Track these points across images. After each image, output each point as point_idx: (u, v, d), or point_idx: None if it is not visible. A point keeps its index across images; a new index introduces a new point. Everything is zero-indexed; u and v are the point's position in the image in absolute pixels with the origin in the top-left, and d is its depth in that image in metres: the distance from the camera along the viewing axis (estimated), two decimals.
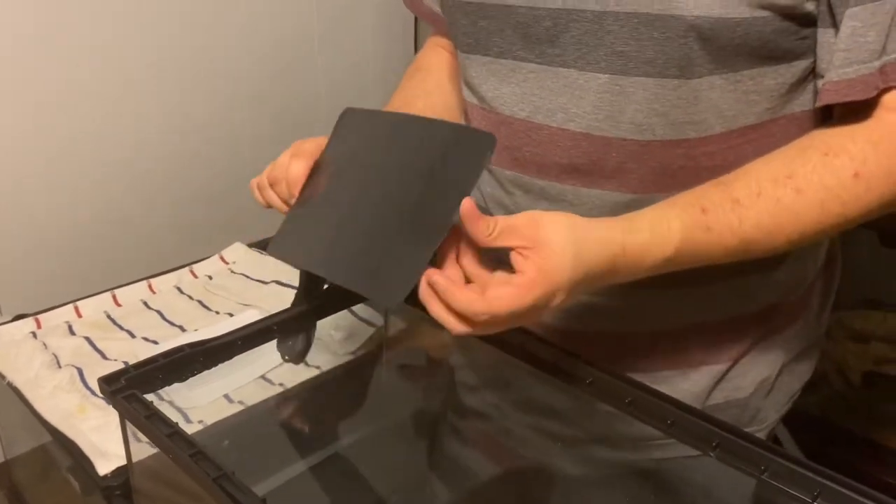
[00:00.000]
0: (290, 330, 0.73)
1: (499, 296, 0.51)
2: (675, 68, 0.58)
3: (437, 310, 0.53)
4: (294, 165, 0.67)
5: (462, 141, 0.56)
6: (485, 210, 0.73)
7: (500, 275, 0.53)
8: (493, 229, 0.52)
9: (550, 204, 0.67)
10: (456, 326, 0.52)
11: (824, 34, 0.57)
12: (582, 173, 0.65)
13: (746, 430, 0.74)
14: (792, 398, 0.79)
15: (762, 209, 0.57)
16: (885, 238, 1.28)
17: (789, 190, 0.56)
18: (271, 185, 0.69)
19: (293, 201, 0.67)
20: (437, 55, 0.84)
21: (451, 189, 0.54)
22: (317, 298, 0.74)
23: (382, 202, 0.60)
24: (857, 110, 0.57)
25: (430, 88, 0.82)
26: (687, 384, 0.72)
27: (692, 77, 0.59)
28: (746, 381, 0.73)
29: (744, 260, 0.59)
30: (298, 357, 0.77)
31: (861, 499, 0.51)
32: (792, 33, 0.58)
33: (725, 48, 0.57)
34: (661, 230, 0.56)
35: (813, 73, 0.61)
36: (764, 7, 0.55)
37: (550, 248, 0.51)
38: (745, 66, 0.59)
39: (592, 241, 0.53)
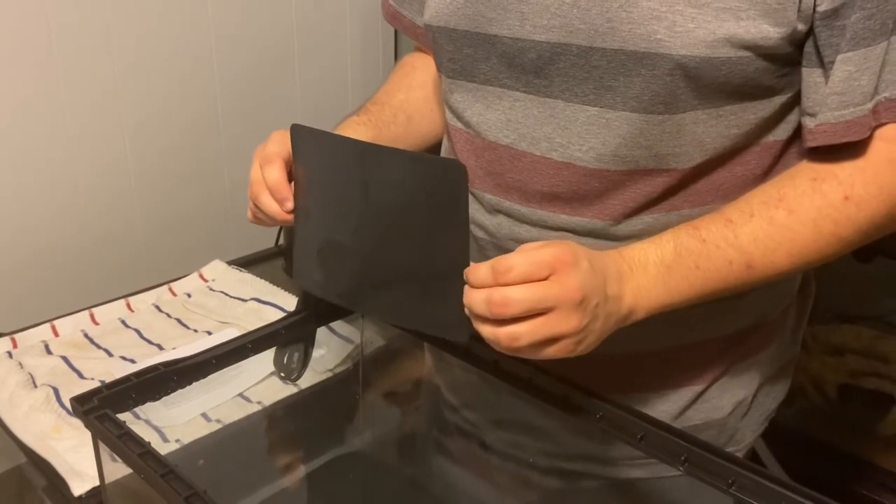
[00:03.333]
0: (264, 348, 0.73)
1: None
2: (661, 104, 0.60)
3: (483, 329, 0.54)
4: (269, 172, 0.66)
5: (435, 174, 0.57)
6: None
7: None
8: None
9: (531, 228, 0.68)
10: (496, 332, 0.52)
11: (811, 74, 0.59)
12: (563, 201, 0.66)
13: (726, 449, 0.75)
14: (768, 418, 0.80)
15: (756, 226, 0.58)
16: (858, 253, 1.29)
17: (781, 210, 0.58)
18: (257, 204, 0.68)
19: (287, 204, 0.66)
20: (424, 58, 0.84)
21: (450, 227, 0.55)
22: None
23: (390, 242, 0.61)
24: (838, 147, 0.59)
25: (414, 83, 0.82)
26: (665, 405, 0.73)
27: (677, 112, 0.60)
28: (724, 401, 0.74)
29: (752, 283, 0.60)
30: (295, 374, 0.77)
31: None
32: (772, 72, 0.59)
33: (710, 86, 0.59)
34: (652, 240, 0.59)
35: (789, 107, 0.63)
36: (747, 48, 0.57)
37: (555, 241, 0.54)
38: (727, 102, 0.60)
39: (590, 249, 0.56)
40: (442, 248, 0.57)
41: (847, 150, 0.59)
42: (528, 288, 0.51)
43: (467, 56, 0.67)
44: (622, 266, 0.57)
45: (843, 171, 0.58)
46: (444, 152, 0.79)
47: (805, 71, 0.59)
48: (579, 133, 0.63)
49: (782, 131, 0.64)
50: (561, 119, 0.63)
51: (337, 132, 0.75)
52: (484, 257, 0.71)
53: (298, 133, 0.65)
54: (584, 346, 0.55)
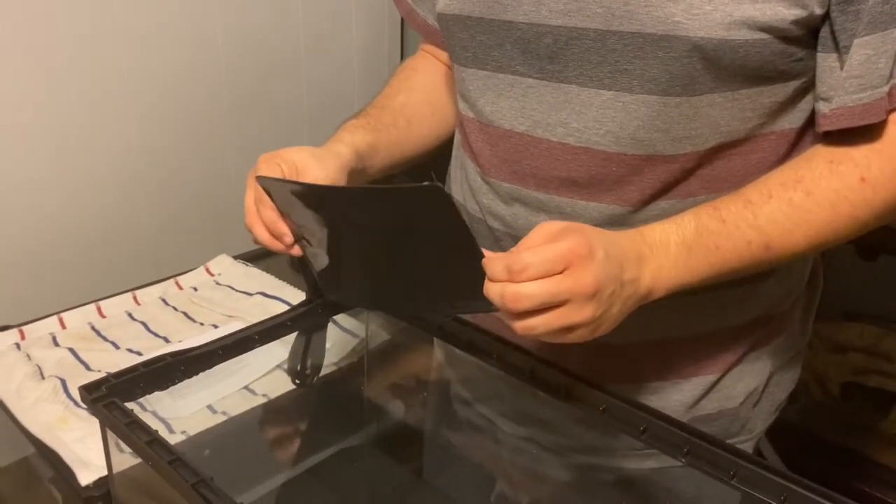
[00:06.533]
0: (270, 339, 0.74)
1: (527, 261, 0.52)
2: (679, 86, 0.60)
3: (501, 316, 0.54)
4: (263, 211, 0.66)
5: (417, 201, 0.55)
6: (480, 221, 0.74)
7: None
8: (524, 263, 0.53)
9: (549, 216, 0.68)
10: (512, 322, 0.53)
11: (825, 59, 0.59)
12: (581, 186, 0.66)
13: (736, 439, 0.76)
14: (778, 407, 0.80)
15: (775, 207, 0.59)
16: (862, 251, 1.30)
17: (799, 192, 0.59)
18: (252, 233, 0.68)
19: (286, 239, 0.66)
20: (426, 60, 0.85)
21: (453, 235, 0.54)
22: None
23: (398, 259, 0.61)
24: (855, 132, 0.60)
25: (415, 86, 0.82)
26: (679, 395, 0.73)
27: (694, 94, 0.61)
28: (736, 391, 0.75)
29: (769, 263, 0.61)
30: (309, 379, 0.79)
31: (826, 503, 0.52)
32: (789, 56, 0.60)
33: (727, 68, 0.59)
34: (674, 220, 0.59)
35: (802, 93, 0.63)
36: (764, 30, 0.58)
37: (568, 227, 0.54)
38: (743, 86, 0.61)
39: (608, 232, 0.57)
40: (452, 249, 0.56)
41: (862, 133, 0.60)
42: (542, 284, 0.51)
43: (480, 43, 0.67)
44: (642, 248, 0.57)
45: (860, 153, 0.59)
46: (456, 144, 0.80)
47: (820, 56, 0.60)
48: (595, 117, 0.63)
49: (796, 118, 0.65)
50: (576, 104, 0.64)
51: (337, 136, 0.74)
52: (500, 248, 0.72)
53: (265, 183, 0.65)
54: (601, 331, 0.55)
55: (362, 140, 0.74)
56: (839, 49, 0.58)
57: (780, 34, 0.58)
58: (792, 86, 0.62)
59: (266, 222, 0.66)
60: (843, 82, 0.58)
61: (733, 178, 0.65)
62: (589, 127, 0.64)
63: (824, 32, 0.59)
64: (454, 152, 0.80)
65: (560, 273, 0.52)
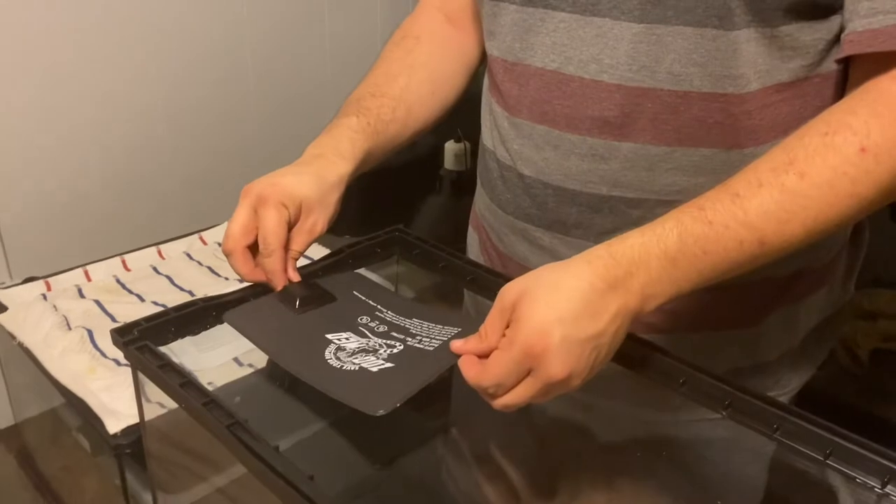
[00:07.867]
0: None
1: (490, 359, 0.52)
2: (715, 18, 0.58)
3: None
4: (267, 265, 0.68)
5: None
6: (511, 169, 0.72)
7: None
8: (487, 335, 0.54)
9: (580, 160, 0.66)
10: (490, 401, 0.54)
11: None
12: (614, 126, 0.64)
13: (770, 393, 0.73)
14: (815, 365, 0.78)
15: (766, 197, 0.53)
16: (895, 214, 1.27)
17: (792, 175, 0.53)
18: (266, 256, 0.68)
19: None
20: (429, 21, 0.81)
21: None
22: None
23: None
24: (873, 70, 0.55)
25: (417, 62, 0.78)
26: (714, 347, 0.71)
27: (731, 29, 0.58)
28: (772, 345, 0.73)
29: (767, 259, 0.55)
30: None
31: (873, 456, 0.51)
32: None
33: (764, 0, 0.57)
34: (653, 228, 0.54)
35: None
36: None
37: (522, 301, 0.52)
38: (782, 22, 0.59)
39: (568, 264, 0.53)
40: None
41: (864, 96, 0.54)
42: (517, 393, 0.52)
43: None
44: (616, 273, 0.52)
45: (858, 119, 0.53)
46: (484, 90, 0.78)
47: None
48: (627, 52, 0.61)
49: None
50: (609, 38, 0.62)
51: (338, 147, 0.71)
52: (530, 197, 0.70)
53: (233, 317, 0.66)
54: (598, 369, 0.54)
55: (361, 149, 0.71)
56: None
57: None
58: (835, 21, 0.59)
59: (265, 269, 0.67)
60: (856, 6, 0.55)
61: (780, 126, 0.62)
62: (622, 63, 0.62)
63: None
64: (483, 98, 0.78)
65: (529, 375, 0.51)
